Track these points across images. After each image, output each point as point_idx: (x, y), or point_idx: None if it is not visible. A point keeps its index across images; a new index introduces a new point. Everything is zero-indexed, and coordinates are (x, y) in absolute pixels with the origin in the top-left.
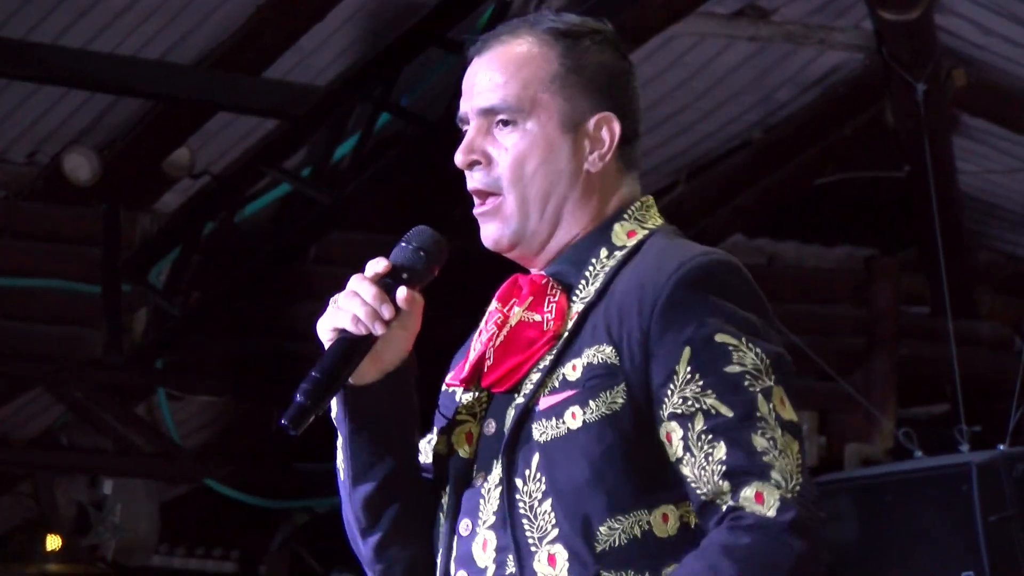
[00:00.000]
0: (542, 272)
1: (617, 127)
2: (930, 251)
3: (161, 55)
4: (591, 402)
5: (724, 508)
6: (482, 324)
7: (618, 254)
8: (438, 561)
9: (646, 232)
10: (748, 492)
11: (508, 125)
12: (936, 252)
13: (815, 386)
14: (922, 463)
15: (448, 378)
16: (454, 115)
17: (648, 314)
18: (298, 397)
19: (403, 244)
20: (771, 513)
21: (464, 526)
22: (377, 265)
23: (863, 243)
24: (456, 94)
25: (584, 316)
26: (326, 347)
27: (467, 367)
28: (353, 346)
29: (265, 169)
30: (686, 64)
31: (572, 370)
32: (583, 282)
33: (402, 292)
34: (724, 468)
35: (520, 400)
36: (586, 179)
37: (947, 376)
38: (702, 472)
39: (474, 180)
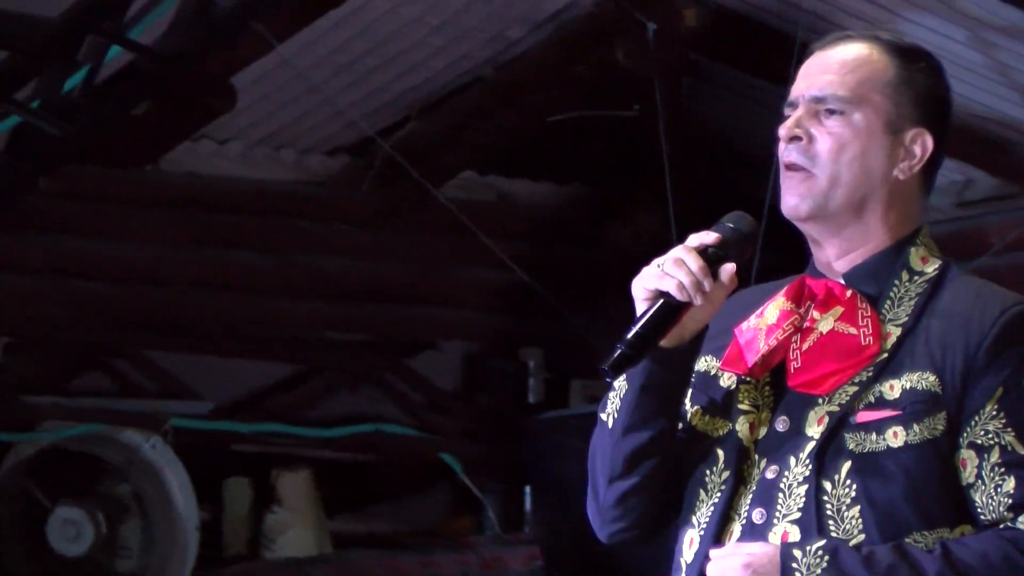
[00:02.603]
0: (837, 279)
1: (931, 144)
2: (661, 191)
3: None
4: (915, 425)
5: (1002, 527)
6: (769, 319)
7: (919, 280)
8: (695, 536)
9: (939, 262)
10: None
11: (835, 115)
12: (666, 192)
13: (543, 323)
14: None
15: (711, 359)
16: (187, 48)
17: (974, 352)
18: (619, 348)
19: (724, 224)
20: None
21: (758, 515)
22: (704, 237)
23: (595, 182)
24: (189, 26)
25: (902, 339)
26: (639, 305)
27: (762, 361)
28: (672, 310)
29: None
30: (419, 0)
31: (890, 389)
32: (888, 302)
33: (730, 268)
34: (1011, 501)
35: (834, 408)
36: (893, 185)
37: None
38: (990, 500)
39: (790, 153)
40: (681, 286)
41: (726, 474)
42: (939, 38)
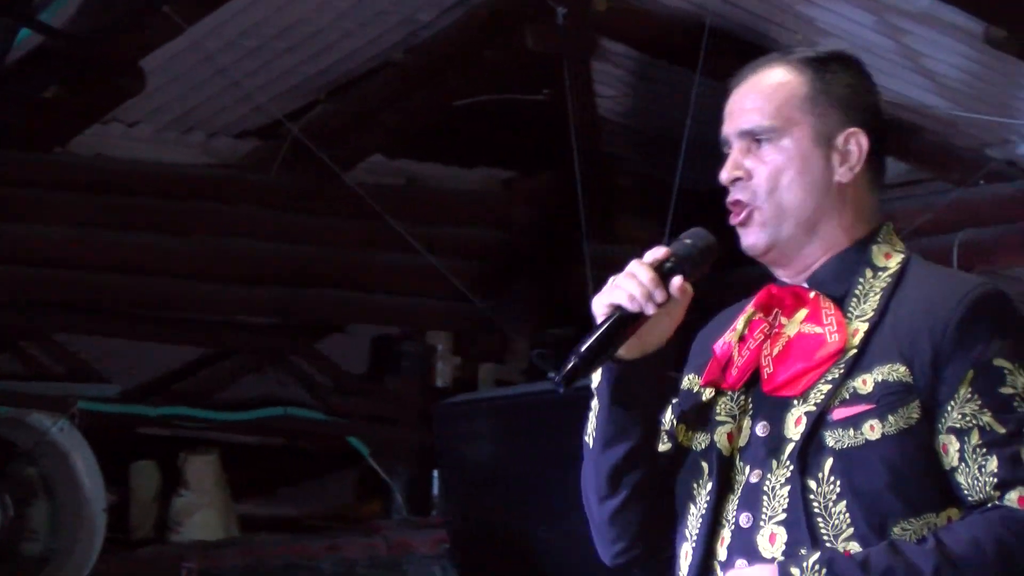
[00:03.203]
0: (802, 284)
1: (865, 141)
2: (568, 174)
3: None
4: (890, 416)
5: (990, 507)
6: (741, 330)
7: (883, 275)
8: (688, 548)
9: (902, 255)
10: (1013, 495)
11: (766, 143)
12: (574, 175)
13: (452, 307)
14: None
15: (694, 377)
16: (97, 30)
17: (940, 337)
18: (572, 359)
19: (681, 239)
20: None
21: (745, 519)
22: (656, 252)
23: (503, 165)
24: (98, 8)
25: (869, 334)
26: (598, 321)
27: (736, 371)
28: (624, 321)
29: None
30: None
31: (863, 384)
32: (854, 300)
33: (677, 281)
34: (995, 480)
35: (811, 408)
36: (838, 191)
37: (583, 299)
38: (975, 481)
39: (734, 193)
40: (632, 297)
41: (710, 484)
42: (848, 23)
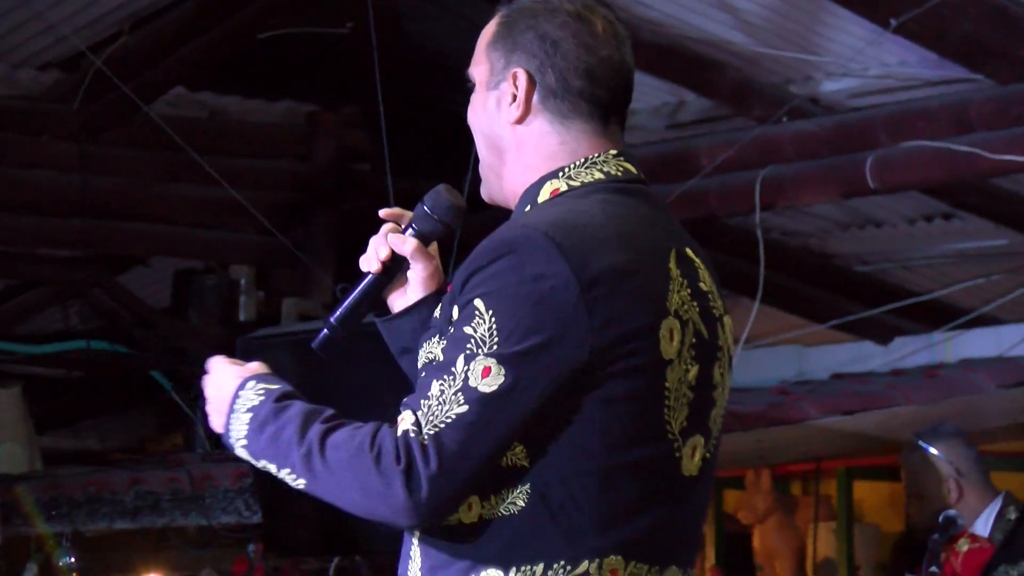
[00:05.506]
0: None
1: (523, 79)
2: (372, 108)
3: None
4: (419, 351)
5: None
6: None
7: None
8: None
9: (564, 189)
10: (400, 418)
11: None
12: (377, 110)
13: (255, 240)
14: None
15: None
16: None
17: (454, 282)
18: (324, 330)
19: (421, 203)
20: (388, 445)
21: None
22: (395, 212)
23: (306, 99)
24: None
25: None
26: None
27: None
28: (366, 283)
29: None
30: None
31: None
32: None
33: (392, 237)
34: (406, 400)
35: None
36: (513, 133)
37: None
38: None
39: None
40: (366, 260)
41: None
42: None
